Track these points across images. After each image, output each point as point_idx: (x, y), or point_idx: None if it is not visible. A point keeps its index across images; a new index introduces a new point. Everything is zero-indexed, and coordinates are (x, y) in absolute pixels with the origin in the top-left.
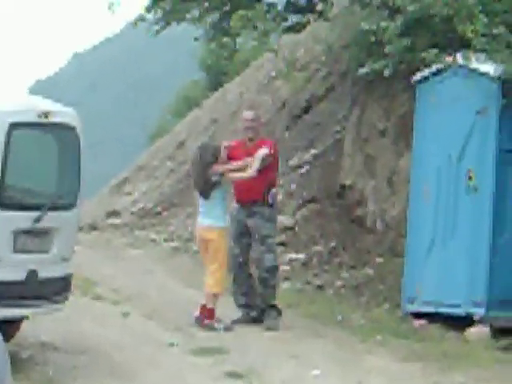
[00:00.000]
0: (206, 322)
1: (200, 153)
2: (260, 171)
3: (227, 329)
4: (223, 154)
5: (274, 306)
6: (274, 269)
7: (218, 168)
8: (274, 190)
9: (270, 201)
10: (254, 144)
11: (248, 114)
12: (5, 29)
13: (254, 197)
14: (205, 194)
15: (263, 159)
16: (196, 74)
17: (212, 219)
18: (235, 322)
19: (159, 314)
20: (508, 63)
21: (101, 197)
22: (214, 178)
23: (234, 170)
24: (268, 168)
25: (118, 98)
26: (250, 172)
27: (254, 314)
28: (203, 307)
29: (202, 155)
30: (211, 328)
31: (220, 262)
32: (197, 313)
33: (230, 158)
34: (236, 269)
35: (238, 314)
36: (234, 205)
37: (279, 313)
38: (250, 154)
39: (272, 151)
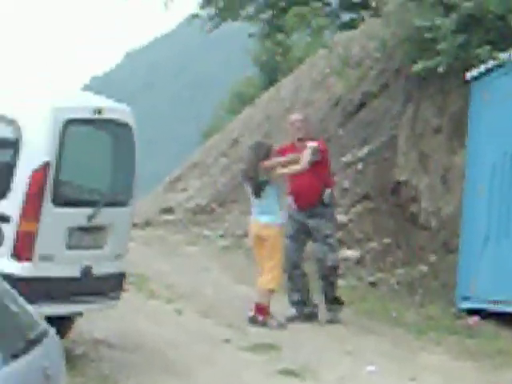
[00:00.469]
0: (260, 318)
1: (254, 151)
2: (313, 174)
3: (281, 326)
4: (274, 156)
5: (335, 300)
6: (336, 268)
7: (268, 163)
8: (328, 190)
9: (326, 200)
10: (303, 144)
11: (293, 117)
12: (61, 26)
13: (313, 200)
14: (256, 192)
15: (313, 152)
16: (250, 71)
17: (270, 216)
18: (289, 319)
19: (213, 311)
20: None
21: (155, 194)
22: (261, 178)
23: (284, 166)
24: (320, 168)
25: (172, 96)
26: (302, 164)
27: (307, 310)
28: (257, 306)
29: (256, 153)
30: (265, 325)
31: (277, 259)
32: (251, 312)
33: None
34: (291, 267)
35: (291, 311)
36: (292, 205)
37: (341, 305)
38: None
39: (321, 148)
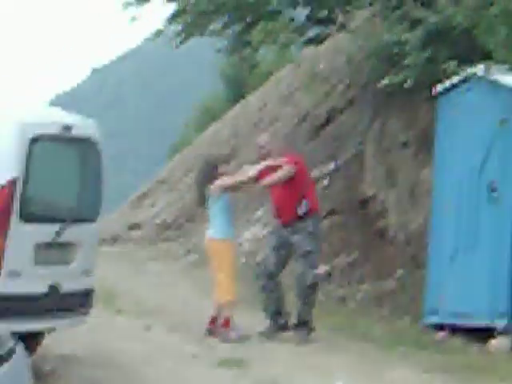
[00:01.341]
0: (221, 330)
1: (201, 165)
2: (287, 187)
3: (242, 338)
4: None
5: (306, 323)
6: (315, 285)
7: (216, 184)
8: (304, 202)
9: (300, 212)
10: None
11: (258, 141)
12: (26, 42)
13: (290, 215)
14: (200, 206)
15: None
16: (217, 87)
17: (212, 231)
18: (263, 333)
19: (181, 326)
20: None
21: (122, 210)
22: (204, 192)
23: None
24: (293, 183)
25: (139, 111)
26: (243, 175)
27: (282, 321)
28: (213, 319)
29: (199, 170)
30: (225, 337)
31: (225, 272)
32: (207, 325)
33: (258, 178)
34: (266, 277)
35: (264, 325)
36: (275, 220)
37: (311, 330)
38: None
39: (290, 161)
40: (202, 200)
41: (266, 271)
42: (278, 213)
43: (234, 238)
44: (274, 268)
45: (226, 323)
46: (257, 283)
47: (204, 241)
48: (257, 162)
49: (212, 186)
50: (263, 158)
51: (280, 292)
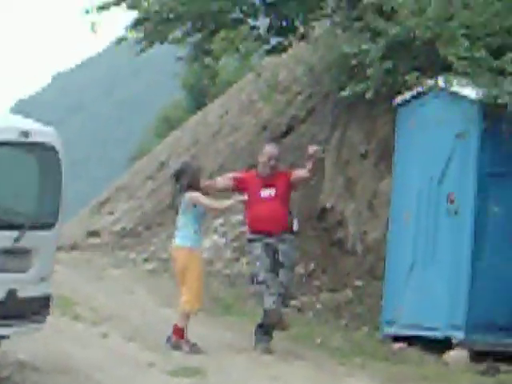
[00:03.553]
0: (174, 339)
1: (175, 175)
2: (285, 200)
3: (194, 351)
4: (226, 183)
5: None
6: (290, 296)
7: (197, 196)
8: (295, 219)
9: (295, 228)
10: (272, 175)
11: (273, 152)
12: None
13: (283, 226)
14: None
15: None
16: (178, 94)
17: (180, 239)
18: (263, 348)
19: (139, 334)
20: (489, 87)
21: (82, 216)
22: (175, 200)
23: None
24: (288, 196)
25: (100, 117)
26: (224, 204)
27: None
28: (177, 329)
29: (177, 177)
30: (177, 347)
31: (190, 282)
32: (169, 333)
33: (244, 189)
34: (263, 272)
35: (220, 333)
36: (252, 236)
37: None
38: (269, 185)
39: (288, 178)
40: (176, 204)
41: (262, 268)
42: (269, 223)
43: (200, 247)
44: (270, 268)
45: (180, 334)
46: (253, 286)
47: (170, 248)
48: (264, 171)
49: (192, 196)
50: (270, 169)
51: (278, 286)
